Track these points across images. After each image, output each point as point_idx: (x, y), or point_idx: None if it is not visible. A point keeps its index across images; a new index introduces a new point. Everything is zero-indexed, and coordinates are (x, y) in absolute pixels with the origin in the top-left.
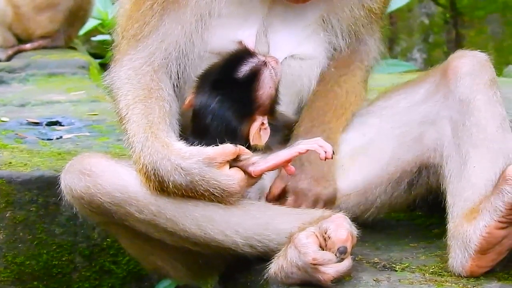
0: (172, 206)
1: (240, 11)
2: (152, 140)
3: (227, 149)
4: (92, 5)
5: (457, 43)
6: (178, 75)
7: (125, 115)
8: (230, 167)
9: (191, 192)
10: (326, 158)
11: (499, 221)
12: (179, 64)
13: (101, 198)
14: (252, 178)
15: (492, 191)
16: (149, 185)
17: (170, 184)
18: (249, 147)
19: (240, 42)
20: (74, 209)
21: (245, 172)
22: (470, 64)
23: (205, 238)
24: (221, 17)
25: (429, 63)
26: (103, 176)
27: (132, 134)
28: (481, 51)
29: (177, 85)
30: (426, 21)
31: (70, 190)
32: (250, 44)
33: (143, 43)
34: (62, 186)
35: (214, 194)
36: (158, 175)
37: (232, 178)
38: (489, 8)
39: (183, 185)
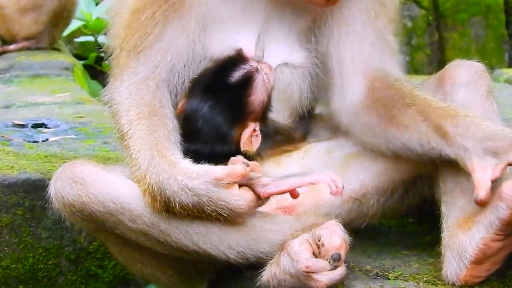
0: (166, 219)
1: (240, 16)
2: (158, 159)
3: (236, 170)
4: (76, 6)
5: (440, 46)
6: (179, 85)
7: (127, 131)
8: (239, 186)
9: (197, 213)
10: (336, 194)
11: (495, 234)
12: (182, 75)
13: (93, 207)
14: (261, 199)
15: (488, 208)
16: (154, 206)
17: (177, 204)
18: (240, 152)
19: (240, 49)
20: (63, 215)
21: (254, 191)
22: (467, 75)
23: (198, 249)
24: (223, 23)
25: (412, 66)
26: (96, 186)
27: (137, 150)
28: (479, 61)
29: (176, 95)
30: (409, 24)
31: (61, 197)
32: (250, 51)
33: (145, 54)
34: (52, 193)
35: (222, 215)
36: (164, 195)
37: (241, 198)
38: (472, 11)
39: (189, 205)
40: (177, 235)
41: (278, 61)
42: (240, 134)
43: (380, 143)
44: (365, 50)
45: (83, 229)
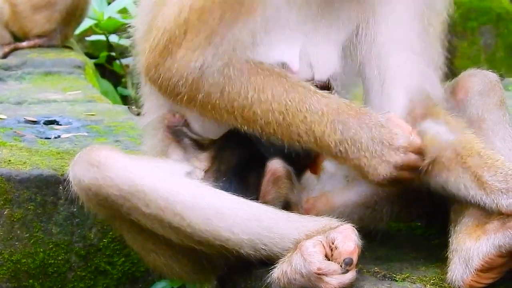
0: (181, 198)
1: (286, 31)
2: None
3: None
4: (89, 4)
5: (449, 54)
6: None
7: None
8: None
9: None
10: None
11: (502, 252)
12: None
13: (108, 190)
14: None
15: (498, 222)
16: None
17: None
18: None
19: (284, 64)
20: (81, 200)
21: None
22: (480, 84)
23: (212, 233)
24: (268, 35)
25: None
26: (112, 168)
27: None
28: (493, 71)
29: None
30: None
31: (78, 181)
32: (294, 67)
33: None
34: (70, 177)
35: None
36: None
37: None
38: (482, 20)
39: None
40: (191, 216)
41: (328, 74)
42: (317, 158)
43: None
44: (411, 60)
45: (99, 215)
